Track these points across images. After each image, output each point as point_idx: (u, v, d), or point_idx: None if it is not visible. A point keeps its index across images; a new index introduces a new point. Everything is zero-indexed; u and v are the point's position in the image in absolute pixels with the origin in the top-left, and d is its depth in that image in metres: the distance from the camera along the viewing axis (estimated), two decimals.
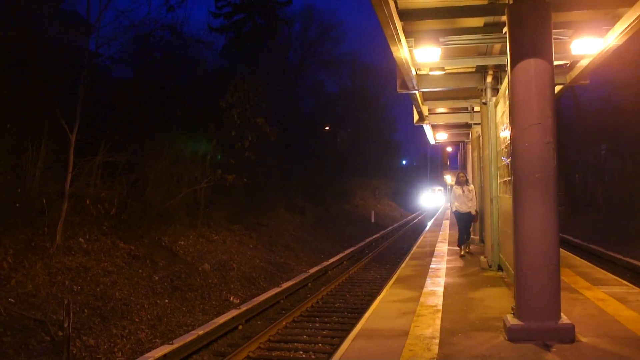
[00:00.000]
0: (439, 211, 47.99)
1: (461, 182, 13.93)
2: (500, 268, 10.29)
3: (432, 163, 75.01)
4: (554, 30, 6.24)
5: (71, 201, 14.25)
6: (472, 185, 14.46)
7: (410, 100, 14.89)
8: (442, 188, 64.57)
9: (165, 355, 9.21)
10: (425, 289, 9.18)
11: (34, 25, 15.53)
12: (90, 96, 14.92)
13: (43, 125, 14.15)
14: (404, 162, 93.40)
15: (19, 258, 11.94)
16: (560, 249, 6.30)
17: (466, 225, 14.15)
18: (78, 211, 14.83)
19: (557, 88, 12.53)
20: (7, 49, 13.42)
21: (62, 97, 14.56)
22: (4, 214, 12.79)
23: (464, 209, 13.75)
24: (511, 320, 6.08)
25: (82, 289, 12.18)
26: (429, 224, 32.10)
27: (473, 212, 13.81)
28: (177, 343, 9.75)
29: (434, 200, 68.33)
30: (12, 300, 10.63)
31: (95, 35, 16.47)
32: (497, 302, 7.97)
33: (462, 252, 14.03)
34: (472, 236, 15.57)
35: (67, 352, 9.56)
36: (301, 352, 10.24)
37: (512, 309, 6.29)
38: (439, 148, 51.63)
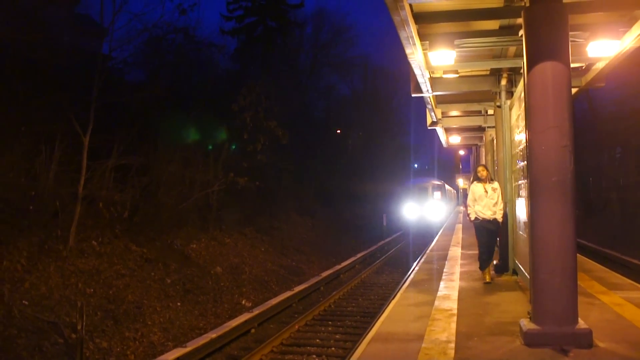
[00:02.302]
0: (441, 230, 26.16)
1: (482, 178, 10.18)
2: (515, 272, 10.21)
3: (443, 166, 74.64)
4: (570, 33, 6.18)
5: (84, 204, 14.31)
6: (497, 183, 10.42)
7: (423, 103, 14.84)
8: (440, 184, 41.40)
9: (178, 359, 9.21)
10: (439, 293, 9.12)
11: (49, 29, 15.65)
12: (103, 99, 14.99)
13: (57, 128, 14.22)
14: (415, 165, 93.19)
15: (33, 260, 12.00)
16: None
17: (490, 240, 10.19)
18: (91, 214, 14.88)
19: (573, 91, 12.41)
20: (23, 52, 13.52)
21: (76, 100, 14.64)
22: (18, 216, 12.86)
23: (487, 214, 9.96)
24: (527, 324, 6.02)
25: (95, 292, 12.22)
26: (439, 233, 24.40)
27: (500, 219, 10.03)
28: (190, 346, 9.75)
29: (431, 207, 38.25)
30: (26, 302, 10.68)
31: (109, 39, 16.56)
32: (513, 306, 7.90)
33: (487, 278, 10.05)
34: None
35: (80, 355, 9.58)
36: (314, 356, 10.21)
37: (528, 313, 6.22)
38: (451, 151, 51.37)
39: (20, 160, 13.65)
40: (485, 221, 10.02)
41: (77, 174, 14.28)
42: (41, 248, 12.58)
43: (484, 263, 10.19)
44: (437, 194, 39.59)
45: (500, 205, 10.06)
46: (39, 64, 14.44)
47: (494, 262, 10.65)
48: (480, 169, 10.53)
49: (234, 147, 22.77)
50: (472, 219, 10.24)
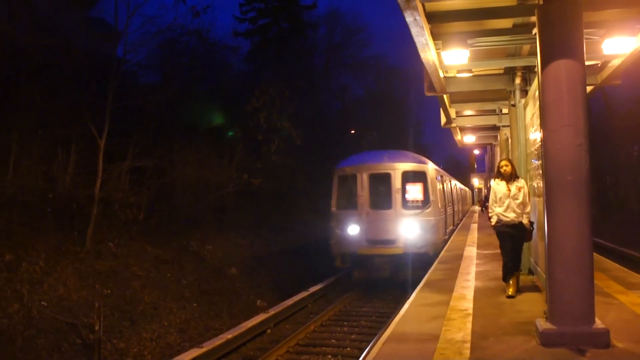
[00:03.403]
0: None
1: (505, 174, 8.68)
2: (530, 272, 10.15)
3: (457, 166, 74.11)
4: (585, 30, 6.13)
5: (100, 206, 14.44)
6: (522, 181, 8.88)
7: (437, 102, 14.80)
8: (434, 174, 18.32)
9: (194, 359, 9.26)
10: (455, 293, 9.08)
11: (64, 33, 15.80)
12: (118, 102, 15.13)
13: (73, 131, 14.37)
14: None
15: (51, 262, 12.13)
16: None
17: (515, 246, 8.74)
18: (107, 216, 15.02)
19: (588, 89, 12.33)
20: (39, 57, 13.67)
21: (91, 104, 14.78)
22: (36, 219, 13.00)
23: (509, 217, 8.51)
24: (544, 324, 5.98)
25: (112, 293, 12.33)
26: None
27: (526, 223, 8.57)
28: (207, 346, 9.80)
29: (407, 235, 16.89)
30: (45, 303, 10.80)
31: (123, 42, 16.70)
32: (529, 305, 7.85)
33: (511, 291, 8.60)
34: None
35: (98, 355, 9.68)
36: (330, 356, 10.23)
37: (545, 313, 6.18)
38: (466, 151, 51.11)
39: (37, 163, 13.81)
40: (508, 225, 8.55)
41: (94, 177, 14.42)
42: (59, 250, 12.72)
43: (508, 274, 8.73)
44: (427, 196, 16.84)
45: (528, 207, 8.64)
46: (55, 68, 14.60)
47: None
48: (503, 163, 8.88)
49: (248, 148, 22.82)
50: (493, 223, 8.76)
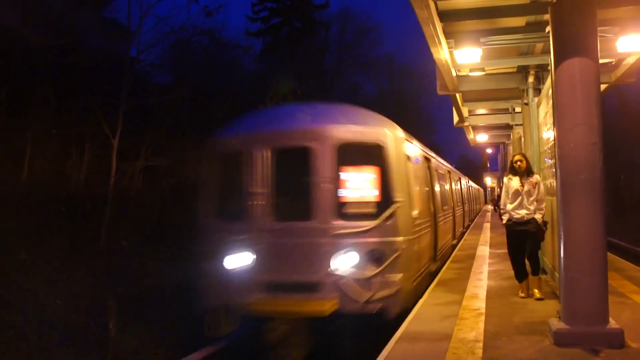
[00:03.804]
0: None
1: (519, 170, 8.14)
2: (543, 271, 10.09)
3: (470, 165, 73.79)
4: (599, 28, 6.09)
5: (114, 205, 14.52)
6: (537, 176, 8.34)
7: (450, 101, 14.76)
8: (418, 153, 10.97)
9: (205, 358, 9.26)
10: (467, 292, 9.05)
11: (77, 34, 15.92)
12: (131, 102, 15.21)
13: (87, 131, 14.47)
14: None
15: (65, 260, 12.21)
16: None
17: (530, 245, 8.21)
18: (120, 215, 15.09)
19: (602, 87, 12.25)
20: (53, 57, 13.78)
21: (105, 103, 14.88)
22: (51, 217, 13.10)
23: (520, 214, 8.03)
24: (557, 324, 5.95)
25: (125, 291, 12.38)
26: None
27: (540, 219, 8.00)
28: (221, 344, 9.79)
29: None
30: (59, 301, 10.88)
31: (136, 42, 16.79)
32: (542, 305, 7.81)
33: (522, 293, 8.35)
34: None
35: (111, 353, 9.73)
36: None
37: (558, 312, 6.15)
38: (478, 150, 50.90)
39: (51, 162, 13.92)
40: (519, 223, 8.06)
41: (107, 176, 14.51)
42: (73, 248, 12.81)
43: (518, 275, 8.41)
44: (387, 194, 8.19)
45: (543, 204, 8.04)
46: (68, 68, 14.71)
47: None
48: (517, 158, 8.26)
49: None
50: (504, 221, 8.30)
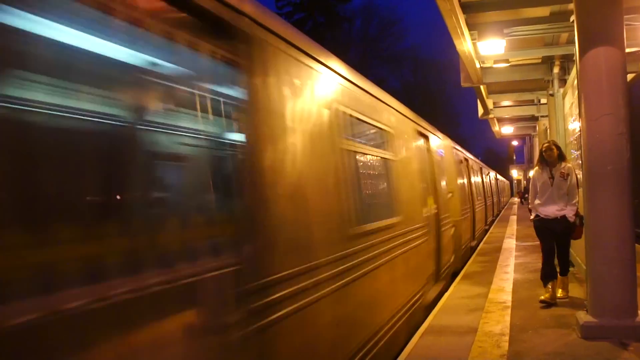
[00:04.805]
0: None
1: (549, 159, 7.29)
2: (571, 263, 9.99)
3: (496, 157, 73.10)
4: (625, 16, 5.99)
5: None
6: (569, 166, 7.33)
7: (474, 94, 14.66)
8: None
9: None
10: (493, 285, 9.00)
11: None
12: None
13: None
14: None
15: None
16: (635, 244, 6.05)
17: (558, 245, 7.46)
18: None
19: (629, 76, 12.05)
20: None
21: None
22: None
23: (550, 210, 7.23)
24: (584, 317, 5.89)
25: None
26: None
27: (571, 218, 7.14)
28: None
29: None
30: None
31: None
32: (569, 298, 7.74)
33: (545, 296, 7.35)
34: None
35: None
36: None
37: (585, 305, 6.09)
38: (504, 142, 50.46)
39: None
40: (548, 220, 7.25)
41: None
42: None
43: (545, 276, 7.49)
44: None
45: (575, 198, 7.16)
46: None
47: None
48: (546, 146, 7.40)
49: None
50: (532, 217, 7.50)
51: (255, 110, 3.09)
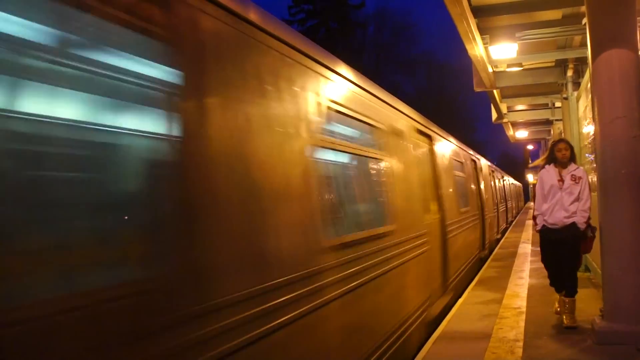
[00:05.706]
0: None
1: (562, 160, 6.48)
2: (587, 269, 9.88)
3: (511, 162, 72.63)
4: (638, 18, 5.94)
5: None
6: (581, 169, 6.56)
7: (488, 98, 14.59)
8: None
9: None
10: (508, 291, 8.92)
11: None
12: None
13: None
14: None
15: None
16: None
17: (568, 263, 6.48)
18: None
19: None
20: None
21: None
22: None
23: (557, 218, 6.38)
24: (599, 322, 5.81)
25: None
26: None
27: (582, 226, 6.29)
28: None
29: None
30: None
31: None
32: (584, 304, 7.63)
33: (557, 306, 6.89)
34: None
35: None
36: None
37: (600, 311, 6.00)
38: (519, 147, 50.12)
39: None
40: (555, 231, 6.41)
41: None
42: None
43: (557, 286, 6.82)
44: None
45: (587, 204, 6.30)
46: None
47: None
48: (562, 146, 6.56)
49: None
50: (538, 228, 6.62)
51: (186, 93, 2.42)
